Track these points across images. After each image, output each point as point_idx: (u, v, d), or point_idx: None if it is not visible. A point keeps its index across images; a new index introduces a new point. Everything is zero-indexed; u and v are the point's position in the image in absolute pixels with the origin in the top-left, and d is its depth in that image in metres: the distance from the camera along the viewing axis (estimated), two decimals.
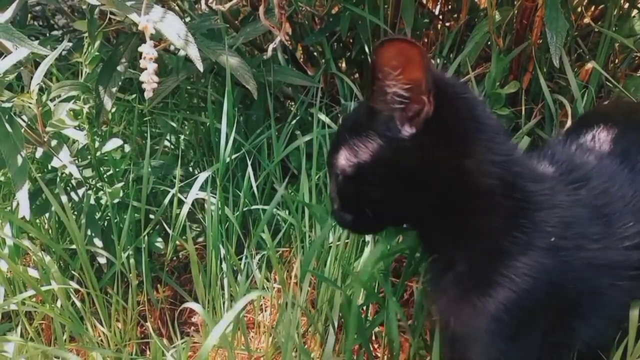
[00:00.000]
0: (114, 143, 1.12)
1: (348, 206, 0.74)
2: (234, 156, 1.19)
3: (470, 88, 0.83)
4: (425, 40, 1.58)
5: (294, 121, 1.32)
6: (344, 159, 0.70)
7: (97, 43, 1.10)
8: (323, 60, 1.59)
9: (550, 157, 0.83)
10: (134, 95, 1.32)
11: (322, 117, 1.25)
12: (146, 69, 0.93)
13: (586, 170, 0.80)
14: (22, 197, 0.96)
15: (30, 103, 1.10)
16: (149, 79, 0.92)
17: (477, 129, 0.71)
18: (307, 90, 1.44)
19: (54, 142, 1.13)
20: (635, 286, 0.74)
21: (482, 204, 0.72)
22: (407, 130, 0.68)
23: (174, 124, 1.34)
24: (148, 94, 0.94)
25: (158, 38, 1.29)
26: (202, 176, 1.10)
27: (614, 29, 1.23)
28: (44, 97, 1.12)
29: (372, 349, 0.98)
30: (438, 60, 1.37)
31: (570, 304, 0.73)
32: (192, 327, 1.13)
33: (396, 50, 0.65)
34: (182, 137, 1.39)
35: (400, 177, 0.69)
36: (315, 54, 1.58)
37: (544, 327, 0.72)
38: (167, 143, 1.41)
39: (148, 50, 0.92)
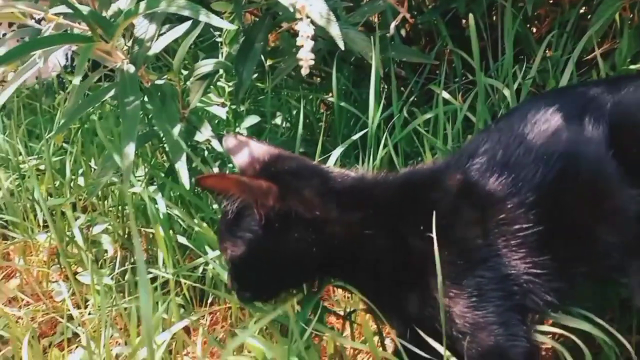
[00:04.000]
0: (252, 119, 1.16)
1: (245, 285, 0.85)
2: (358, 135, 1.21)
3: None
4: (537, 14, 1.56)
5: (412, 98, 1.34)
6: (230, 249, 0.83)
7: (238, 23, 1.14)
8: (426, 38, 1.60)
9: None
10: (255, 74, 1.36)
11: (446, 94, 1.26)
12: (302, 46, 0.95)
13: None
14: (182, 167, 1.01)
15: (174, 81, 1.16)
16: (305, 57, 0.95)
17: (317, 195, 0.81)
18: (421, 69, 1.45)
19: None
20: None
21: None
22: (259, 225, 0.80)
23: (295, 103, 1.37)
24: (305, 71, 0.96)
25: (284, 19, 1.33)
26: (336, 152, 1.13)
27: None
28: (183, 76, 1.17)
29: None
30: (558, 40, 1.35)
31: None
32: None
33: (212, 182, 0.82)
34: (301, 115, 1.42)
35: (276, 257, 0.82)
36: (422, 32, 1.58)
37: None
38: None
39: (305, 28, 0.95)
